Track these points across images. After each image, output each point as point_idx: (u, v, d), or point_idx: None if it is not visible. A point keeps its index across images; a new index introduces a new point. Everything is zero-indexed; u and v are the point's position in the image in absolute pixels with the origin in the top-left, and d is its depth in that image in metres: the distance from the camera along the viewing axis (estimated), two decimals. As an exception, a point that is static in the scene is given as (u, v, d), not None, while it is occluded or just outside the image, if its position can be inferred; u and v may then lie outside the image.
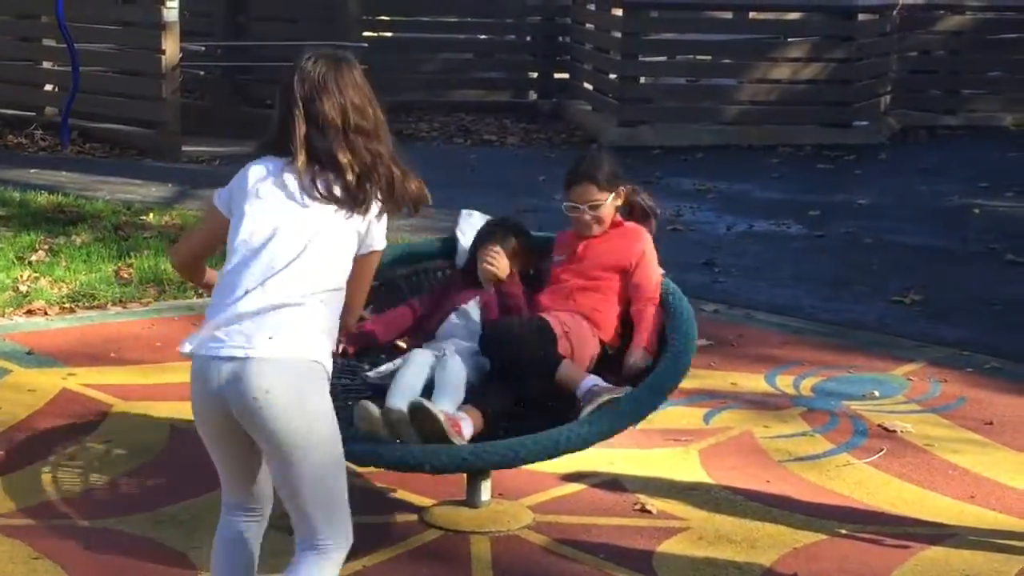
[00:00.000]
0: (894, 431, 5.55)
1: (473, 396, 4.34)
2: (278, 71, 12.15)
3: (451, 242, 5.25)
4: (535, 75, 15.42)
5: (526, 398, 4.43)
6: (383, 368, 4.65)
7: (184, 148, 11.79)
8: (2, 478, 4.85)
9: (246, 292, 3.25)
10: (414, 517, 4.62)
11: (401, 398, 4.23)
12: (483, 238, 4.88)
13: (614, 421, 4.26)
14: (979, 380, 6.26)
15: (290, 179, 3.33)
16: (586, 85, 14.69)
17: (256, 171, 3.39)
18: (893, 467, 5.22)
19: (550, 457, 4.25)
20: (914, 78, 14.75)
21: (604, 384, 4.31)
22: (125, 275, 7.45)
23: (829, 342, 6.83)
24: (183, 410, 5.50)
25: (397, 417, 4.13)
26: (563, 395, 4.38)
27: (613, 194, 4.79)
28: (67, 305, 6.93)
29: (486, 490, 4.60)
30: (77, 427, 5.35)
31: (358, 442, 4.12)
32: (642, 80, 13.51)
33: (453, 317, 4.75)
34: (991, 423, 5.69)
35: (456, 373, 4.38)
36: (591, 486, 4.94)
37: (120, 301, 7.05)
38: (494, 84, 15.55)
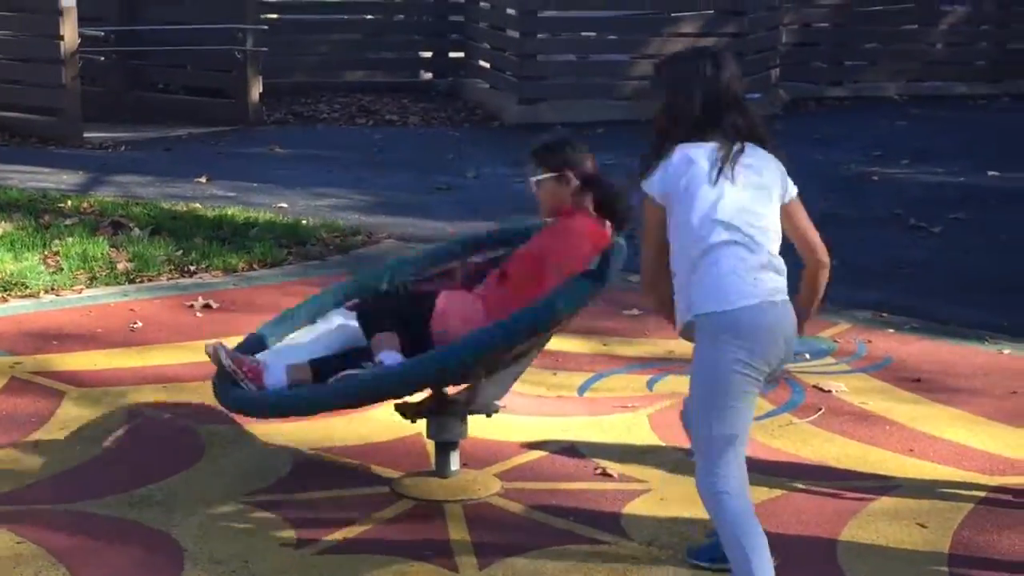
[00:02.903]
0: (829, 391, 5.78)
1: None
2: (174, 55, 12.14)
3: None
4: (429, 55, 15.52)
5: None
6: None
7: (85, 135, 11.71)
8: (-33, 467, 4.88)
9: None
10: (385, 489, 4.75)
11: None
12: None
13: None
14: (902, 340, 6.53)
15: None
16: (482, 63, 14.82)
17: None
18: (833, 425, 5.45)
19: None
20: (800, 50, 15.11)
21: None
22: (52, 263, 7.43)
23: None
24: (137, 395, 5.59)
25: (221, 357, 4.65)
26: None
27: (556, 175, 4.60)
28: (-1, 295, 6.92)
29: (455, 460, 4.73)
30: (33, 414, 5.37)
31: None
32: (539, 58, 13.67)
33: None
34: (919, 380, 5.96)
35: (325, 333, 4.74)
36: (551, 453, 5.10)
37: (52, 289, 7.04)
38: (388, 64, 15.60)
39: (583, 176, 4.64)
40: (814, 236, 3.93)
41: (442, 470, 4.73)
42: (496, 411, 4.72)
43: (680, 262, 3.80)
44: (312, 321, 4.99)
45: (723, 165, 3.78)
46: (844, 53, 15.24)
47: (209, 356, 4.67)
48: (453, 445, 4.71)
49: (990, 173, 10.64)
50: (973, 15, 15.58)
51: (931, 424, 5.46)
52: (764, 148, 3.88)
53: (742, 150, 3.83)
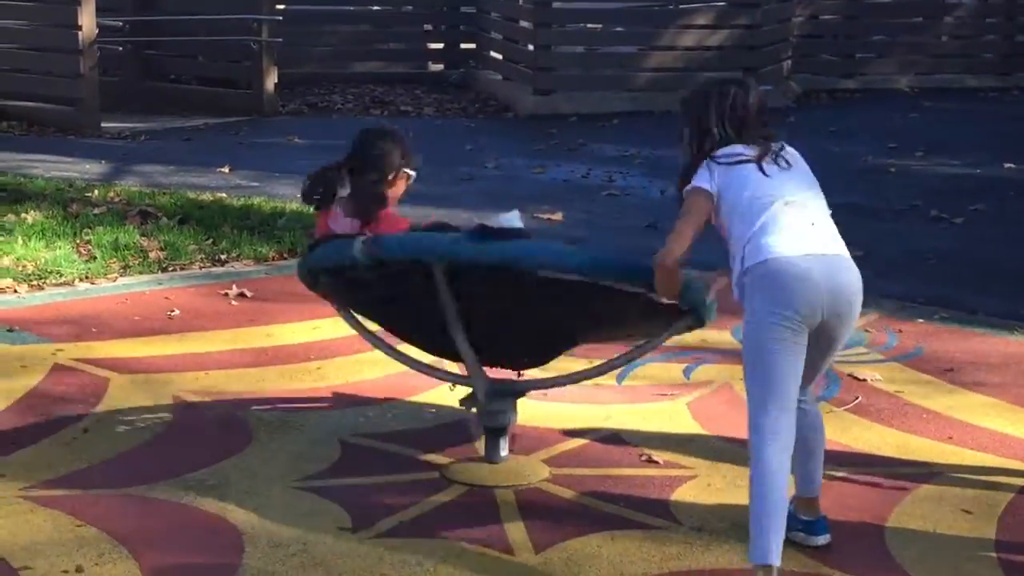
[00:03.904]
0: (864, 380, 5.85)
1: None
2: (189, 45, 12.19)
3: None
4: (440, 46, 15.56)
5: None
6: None
7: (102, 124, 11.75)
8: (21, 451, 4.92)
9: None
10: (435, 475, 4.80)
11: None
12: None
13: None
14: (931, 329, 6.60)
15: None
16: (494, 55, 14.87)
17: None
18: (870, 413, 5.51)
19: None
20: (811, 43, 15.17)
21: None
22: (84, 251, 7.48)
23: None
24: (181, 381, 5.65)
25: None
26: None
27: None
28: (35, 283, 6.95)
29: (504, 446, 4.79)
30: (80, 400, 5.42)
31: None
32: (553, 49, 13.71)
33: None
34: (951, 369, 6.02)
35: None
36: (594, 440, 5.15)
37: (87, 277, 7.09)
38: (399, 55, 15.65)
39: None
40: None
41: (491, 456, 4.78)
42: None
43: (738, 233, 4.05)
44: None
45: (765, 154, 4.11)
46: (855, 46, 15.30)
47: None
48: (503, 431, 4.76)
49: (1007, 165, 10.70)
50: (980, 8, 15.65)
51: (967, 412, 5.52)
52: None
53: (782, 147, 4.18)
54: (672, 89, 13.54)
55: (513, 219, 4.50)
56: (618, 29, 14.15)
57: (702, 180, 4.10)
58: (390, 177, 4.81)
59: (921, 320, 6.74)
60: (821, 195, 4.16)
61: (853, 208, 8.90)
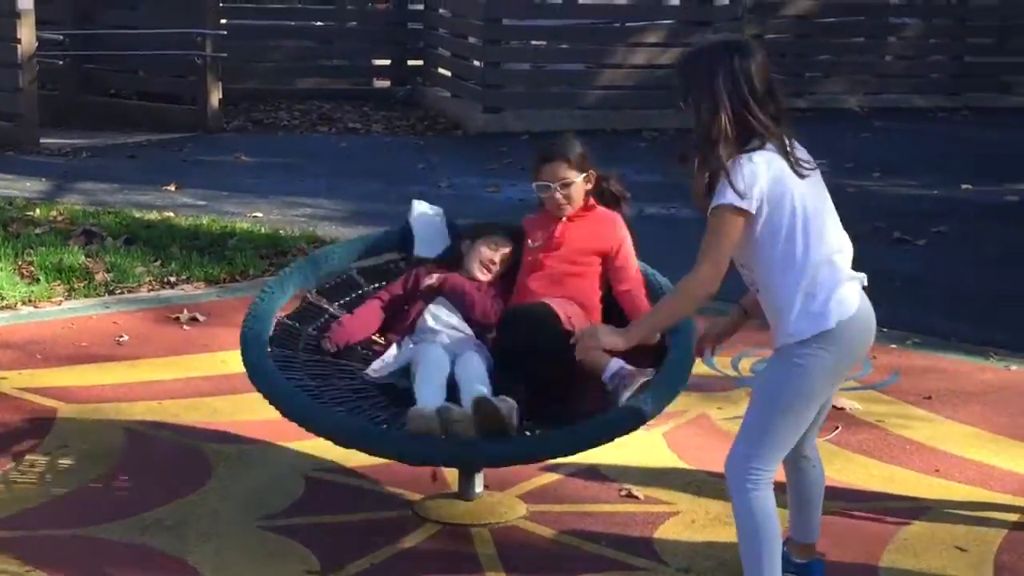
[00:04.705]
0: (843, 409, 5.66)
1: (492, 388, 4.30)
2: (130, 60, 11.85)
3: (402, 233, 5.15)
4: (387, 62, 15.33)
5: (537, 385, 4.39)
6: (377, 365, 4.56)
7: (41, 140, 11.42)
8: (-37, 489, 4.64)
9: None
10: (407, 512, 4.56)
11: (437, 396, 4.17)
12: (484, 237, 4.82)
13: (659, 400, 4.22)
14: (905, 355, 6.44)
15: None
16: (442, 71, 14.65)
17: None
18: (852, 443, 5.33)
19: (606, 440, 4.19)
20: (761, 62, 15.06)
21: (629, 366, 4.29)
22: (26, 273, 7.18)
23: (753, 323, 6.92)
24: (133, 412, 5.38)
25: (459, 415, 4.04)
26: (575, 381, 4.37)
27: (584, 175, 4.71)
28: (-25, 307, 6.66)
29: (479, 482, 4.56)
30: (27, 432, 5.15)
31: (408, 442, 4.07)
32: (503, 66, 13.52)
33: (433, 308, 4.69)
34: (929, 397, 5.86)
35: (479, 366, 4.33)
36: (569, 475, 4.93)
37: (30, 300, 6.80)
38: (345, 71, 15.40)
39: (600, 175, 4.84)
40: None
41: (466, 492, 4.55)
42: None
43: (788, 267, 3.59)
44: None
45: (792, 167, 3.58)
46: (803, 65, 15.23)
47: (427, 421, 4.09)
48: (477, 467, 4.53)
49: (964, 186, 10.62)
50: (926, 29, 15.63)
51: (951, 443, 5.36)
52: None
53: (792, 145, 3.64)
54: (624, 108, 13.47)
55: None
56: (568, 47, 13.98)
57: (738, 198, 3.50)
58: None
59: (894, 346, 6.57)
60: None
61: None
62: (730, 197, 3.51)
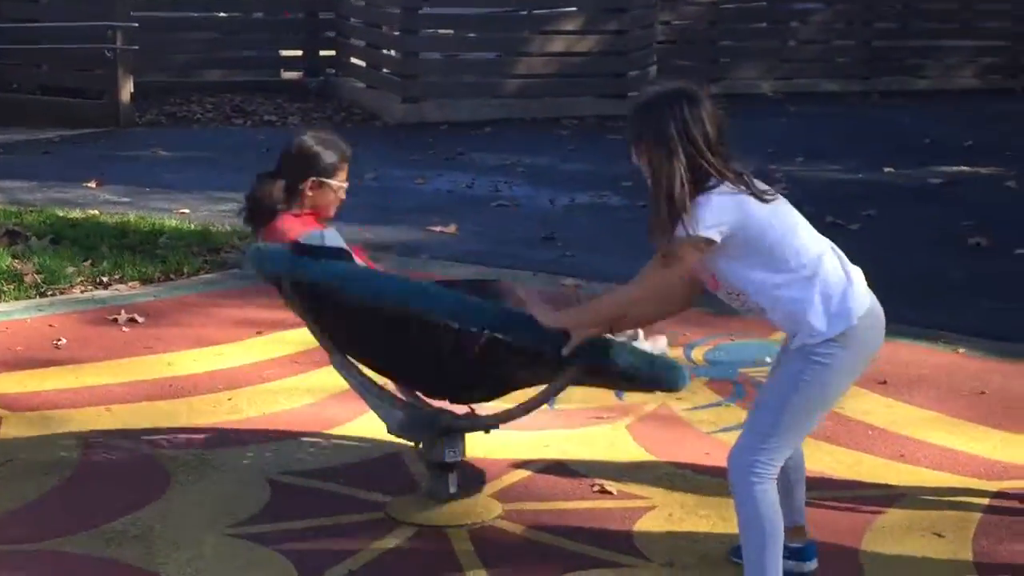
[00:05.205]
0: (801, 396, 5.64)
1: None
2: (35, 54, 11.54)
3: None
4: (299, 53, 15.11)
5: None
6: None
7: (-55, 138, 11.12)
8: (-87, 505, 4.44)
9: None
10: (379, 514, 4.45)
11: None
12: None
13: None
14: (855, 341, 6.43)
15: None
16: (356, 61, 14.47)
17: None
18: (815, 431, 5.25)
19: None
20: (674, 48, 15.10)
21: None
22: (-50, 277, 6.94)
23: (697, 311, 6.85)
24: (82, 419, 5.20)
25: None
26: None
27: None
28: (-99, 312, 6.41)
29: (453, 482, 4.46)
30: (-30, 443, 4.95)
31: None
32: (421, 55, 13.39)
33: None
34: (885, 382, 5.85)
35: None
36: (539, 472, 4.84)
37: (-43, 305, 6.57)
38: (256, 62, 15.15)
39: None
40: None
41: (440, 493, 4.44)
42: (495, 427, 4.45)
43: (785, 276, 3.63)
44: None
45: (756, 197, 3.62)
46: (720, 50, 15.29)
47: None
48: (452, 466, 4.43)
49: (886, 169, 10.71)
50: (832, 14, 15.74)
51: (912, 428, 5.35)
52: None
53: (750, 179, 3.66)
54: (543, 96, 13.39)
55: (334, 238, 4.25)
56: (487, 36, 13.88)
57: (703, 226, 3.53)
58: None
59: (842, 331, 6.56)
60: None
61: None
62: (693, 228, 3.53)
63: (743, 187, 3.60)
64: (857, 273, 3.75)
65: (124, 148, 11.19)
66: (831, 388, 3.69)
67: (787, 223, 3.67)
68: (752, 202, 3.59)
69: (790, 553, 4.03)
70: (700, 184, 3.57)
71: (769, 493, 3.67)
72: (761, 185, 3.67)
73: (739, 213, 3.57)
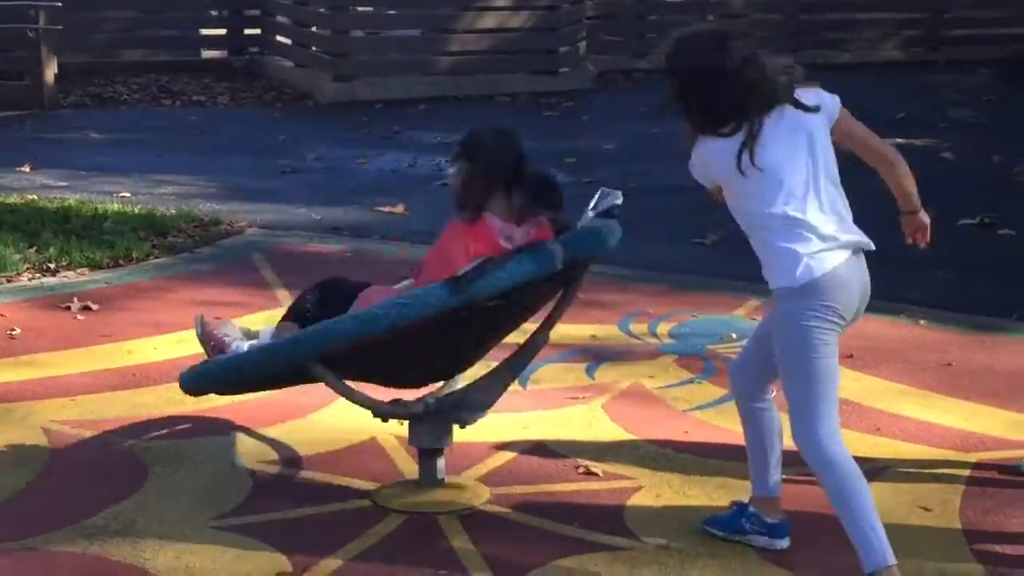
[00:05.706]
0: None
1: None
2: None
3: None
4: (223, 32, 14.89)
5: None
6: None
7: None
8: None
9: None
10: (366, 502, 4.37)
11: None
12: None
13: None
14: (816, 315, 6.44)
15: None
16: (282, 39, 14.28)
17: None
18: (785, 405, 5.28)
19: None
20: (601, 24, 15.06)
21: None
22: None
23: (659, 287, 6.89)
24: (47, 411, 5.07)
25: None
26: None
27: None
28: None
29: (441, 468, 4.40)
30: (-67, 439, 4.81)
31: None
32: (353, 34, 13.24)
33: None
34: (851, 356, 5.85)
35: None
36: (523, 453, 4.80)
37: (-97, 295, 6.38)
38: (181, 41, 14.90)
39: None
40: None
41: (428, 479, 4.38)
42: (473, 422, 4.39)
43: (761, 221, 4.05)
44: None
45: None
46: (646, 25, 15.26)
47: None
48: (439, 452, 4.37)
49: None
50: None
51: (884, 401, 5.38)
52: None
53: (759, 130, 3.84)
54: (474, 73, 13.30)
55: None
56: (418, 12, 13.75)
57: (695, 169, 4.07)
58: None
59: (804, 305, 6.57)
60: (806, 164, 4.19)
61: (691, 190, 8.72)
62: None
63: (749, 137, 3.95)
64: (830, 237, 4.03)
65: (52, 131, 10.96)
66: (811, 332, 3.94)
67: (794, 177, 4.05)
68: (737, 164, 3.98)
69: (765, 528, 4.06)
70: (718, 125, 3.98)
71: (842, 451, 3.79)
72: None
73: (722, 167, 4.07)
